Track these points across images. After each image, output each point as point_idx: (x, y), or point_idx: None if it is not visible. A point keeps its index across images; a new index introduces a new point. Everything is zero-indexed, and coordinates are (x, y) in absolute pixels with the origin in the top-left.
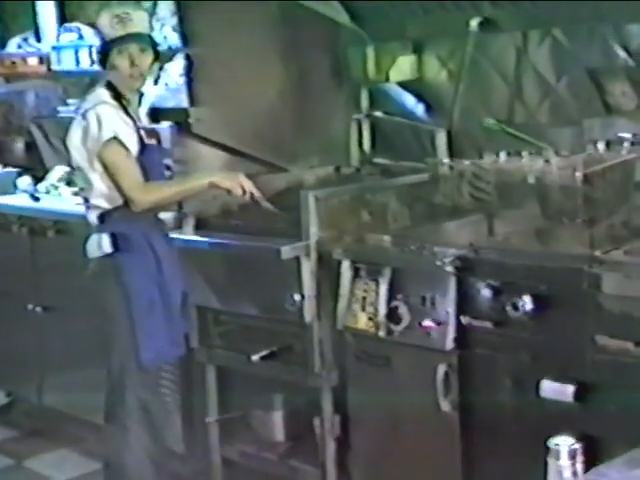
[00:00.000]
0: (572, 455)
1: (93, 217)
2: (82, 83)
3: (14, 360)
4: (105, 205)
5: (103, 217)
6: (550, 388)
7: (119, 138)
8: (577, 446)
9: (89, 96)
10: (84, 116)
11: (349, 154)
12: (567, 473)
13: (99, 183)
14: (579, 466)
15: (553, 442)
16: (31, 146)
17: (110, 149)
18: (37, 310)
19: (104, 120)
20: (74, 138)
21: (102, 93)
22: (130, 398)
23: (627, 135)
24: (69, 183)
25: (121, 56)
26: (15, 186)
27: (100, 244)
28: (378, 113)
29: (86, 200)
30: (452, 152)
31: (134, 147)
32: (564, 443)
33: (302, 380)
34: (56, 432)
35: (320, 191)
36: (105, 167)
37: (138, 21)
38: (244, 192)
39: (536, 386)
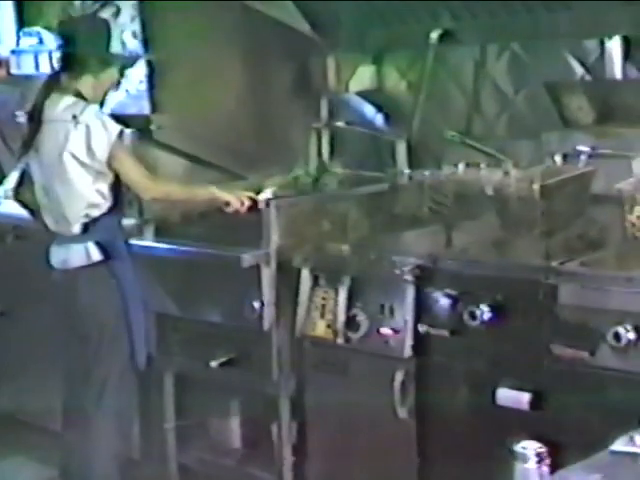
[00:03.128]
0: (539, 459)
1: (77, 228)
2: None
3: None
4: (94, 213)
5: (86, 226)
6: (506, 396)
7: (125, 130)
8: (543, 450)
9: (61, 104)
10: (77, 121)
11: (307, 163)
12: (534, 476)
13: (89, 191)
14: (545, 469)
15: (520, 446)
16: None
17: (122, 142)
18: None
19: (105, 118)
20: (69, 146)
21: (76, 100)
22: (110, 403)
23: (585, 148)
24: None
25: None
26: None
27: (88, 253)
28: (340, 123)
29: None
30: (411, 163)
31: None
32: (531, 447)
33: (260, 387)
34: (10, 439)
35: (281, 200)
36: (113, 164)
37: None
38: (242, 204)
39: (492, 394)
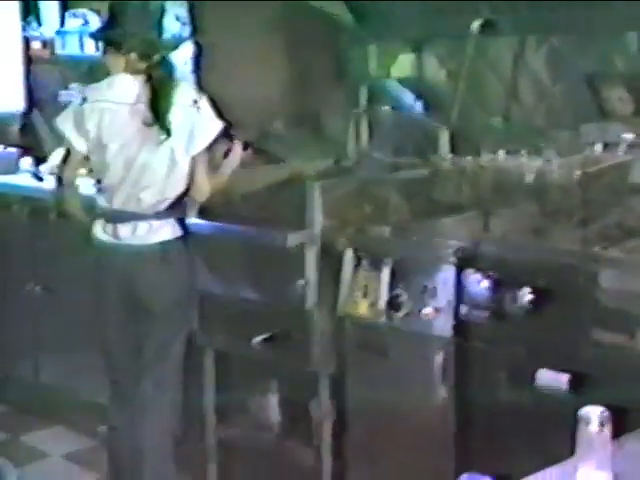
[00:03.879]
0: (602, 422)
1: (163, 206)
2: (80, 68)
3: (11, 339)
4: (178, 194)
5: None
6: (545, 377)
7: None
8: (606, 414)
9: (182, 88)
10: (198, 106)
11: (346, 148)
12: (596, 439)
13: (183, 173)
14: (607, 433)
15: (584, 410)
16: (26, 128)
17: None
18: (36, 290)
19: (213, 113)
20: (189, 129)
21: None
22: (172, 377)
23: (628, 135)
24: None
25: None
26: (17, 167)
27: (174, 228)
28: (386, 107)
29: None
30: (451, 149)
31: None
32: (594, 411)
33: (300, 365)
34: (50, 409)
35: (326, 182)
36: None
37: None
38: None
39: (532, 376)
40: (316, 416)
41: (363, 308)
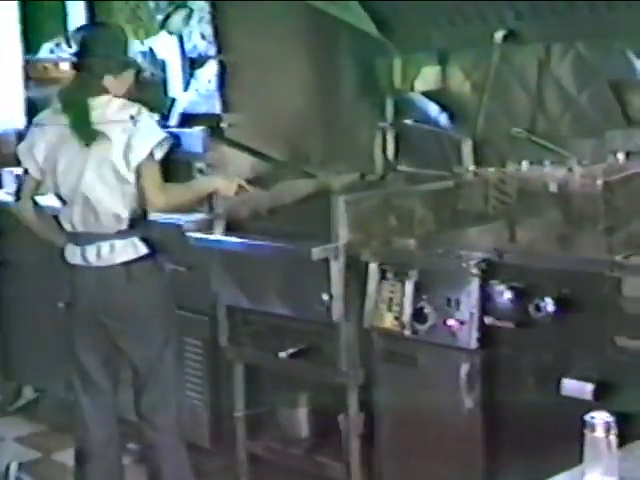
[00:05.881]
0: (607, 428)
1: (124, 224)
2: None
3: (43, 357)
4: (132, 210)
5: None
6: (570, 386)
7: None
8: (611, 420)
9: (112, 104)
10: (135, 120)
11: (373, 162)
12: (602, 445)
13: (132, 188)
14: (613, 439)
15: (589, 416)
16: None
17: (160, 148)
18: (60, 306)
19: (153, 125)
20: (120, 141)
21: (124, 101)
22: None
23: None
24: None
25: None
26: None
27: (136, 246)
28: (408, 121)
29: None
30: (476, 161)
31: None
32: (599, 417)
33: (329, 378)
34: None
35: (350, 195)
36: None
37: None
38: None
39: (557, 385)
40: (345, 429)
41: (388, 321)
